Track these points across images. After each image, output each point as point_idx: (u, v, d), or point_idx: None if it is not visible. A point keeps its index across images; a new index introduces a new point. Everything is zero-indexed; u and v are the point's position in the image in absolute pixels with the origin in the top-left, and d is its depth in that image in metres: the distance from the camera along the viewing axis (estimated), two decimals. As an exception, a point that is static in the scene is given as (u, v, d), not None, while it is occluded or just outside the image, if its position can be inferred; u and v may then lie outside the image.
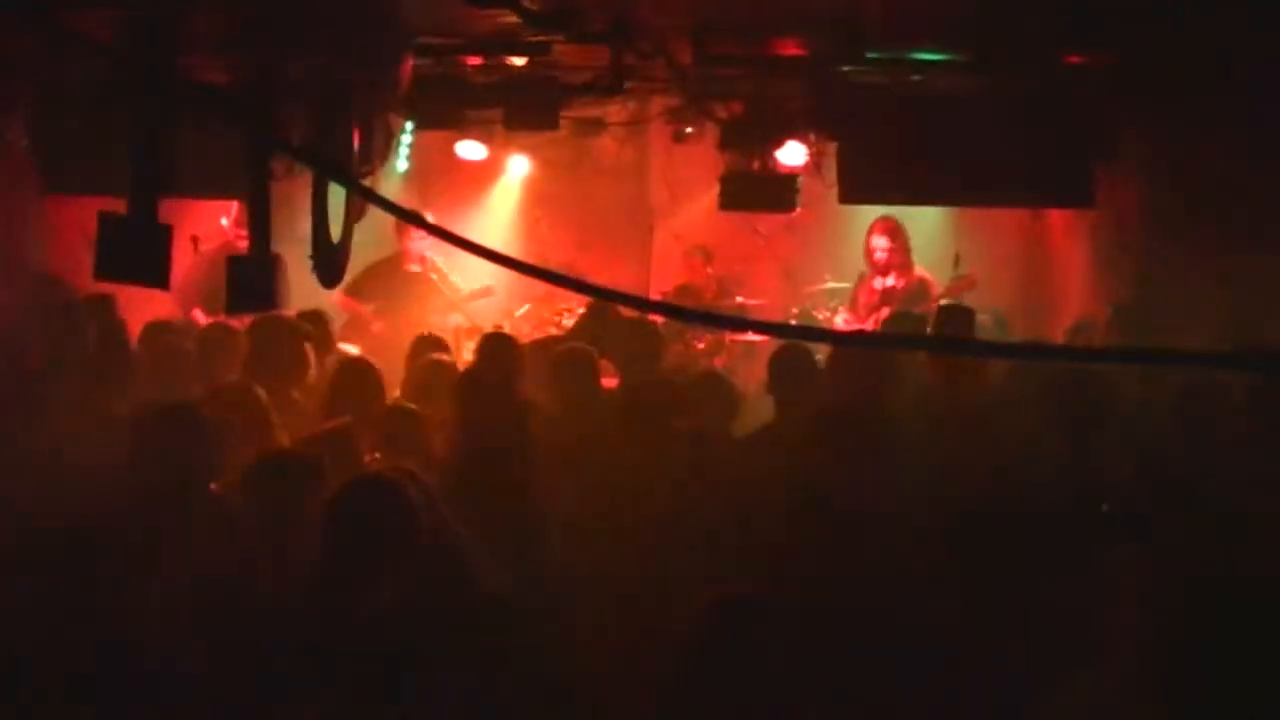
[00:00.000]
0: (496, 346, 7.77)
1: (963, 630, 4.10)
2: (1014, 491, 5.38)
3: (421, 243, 10.66)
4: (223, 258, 7.56)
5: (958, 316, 8.25)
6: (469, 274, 11.03)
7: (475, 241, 3.84)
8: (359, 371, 7.17)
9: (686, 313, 10.05)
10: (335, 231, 6.76)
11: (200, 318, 9.87)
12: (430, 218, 8.47)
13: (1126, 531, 4.69)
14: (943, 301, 9.95)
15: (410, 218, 4.29)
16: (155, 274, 5.61)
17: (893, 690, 3.98)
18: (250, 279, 6.03)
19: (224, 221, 10.33)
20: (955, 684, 3.96)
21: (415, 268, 10.71)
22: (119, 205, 5.78)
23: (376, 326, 10.35)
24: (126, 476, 5.29)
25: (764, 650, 3.79)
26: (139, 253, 5.61)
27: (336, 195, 6.83)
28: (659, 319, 8.80)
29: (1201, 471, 5.63)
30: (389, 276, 10.56)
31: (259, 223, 6.03)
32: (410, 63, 7.61)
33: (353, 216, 6.73)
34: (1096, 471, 5.72)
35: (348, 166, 6.51)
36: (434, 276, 10.83)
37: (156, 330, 8.34)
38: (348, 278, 7.76)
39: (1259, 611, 3.32)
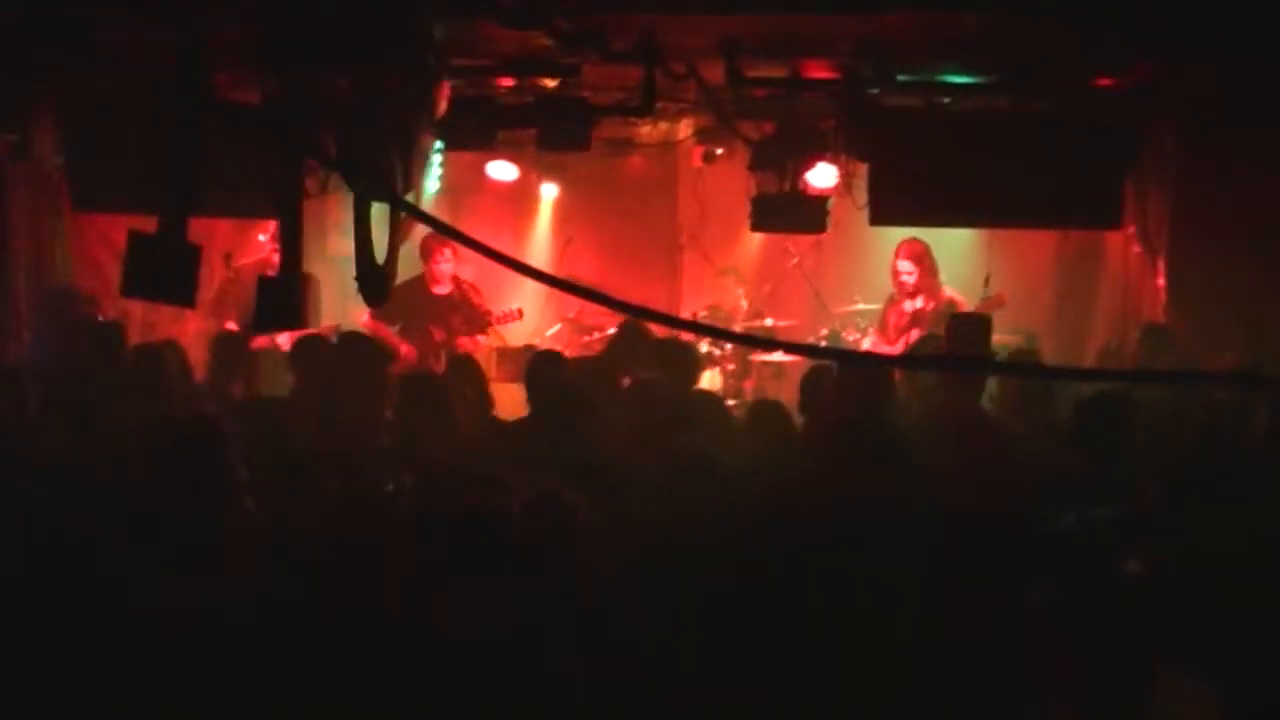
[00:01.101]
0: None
1: (965, 638, 4.11)
2: (1023, 505, 5.39)
3: (448, 264, 10.65)
4: (256, 274, 7.64)
5: (972, 325, 8.15)
6: (500, 298, 11.06)
7: (514, 258, 3.89)
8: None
9: (717, 332, 10.05)
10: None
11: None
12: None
13: (1144, 544, 4.68)
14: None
15: (456, 235, 4.31)
16: (182, 292, 5.64)
17: (894, 697, 3.99)
18: (279, 298, 6.07)
19: (262, 238, 10.40)
20: (955, 692, 3.97)
21: (442, 289, 10.69)
22: (147, 223, 5.84)
23: (404, 349, 10.36)
24: (144, 489, 5.35)
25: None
26: (167, 271, 5.65)
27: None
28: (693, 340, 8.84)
29: (1222, 488, 5.61)
30: (414, 298, 10.57)
31: (290, 241, 6.06)
32: (446, 84, 7.67)
33: (398, 236, 6.77)
34: (1116, 488, 5.72)
35: (389, 185, 6.56)
36: (470, 297, 10.81)
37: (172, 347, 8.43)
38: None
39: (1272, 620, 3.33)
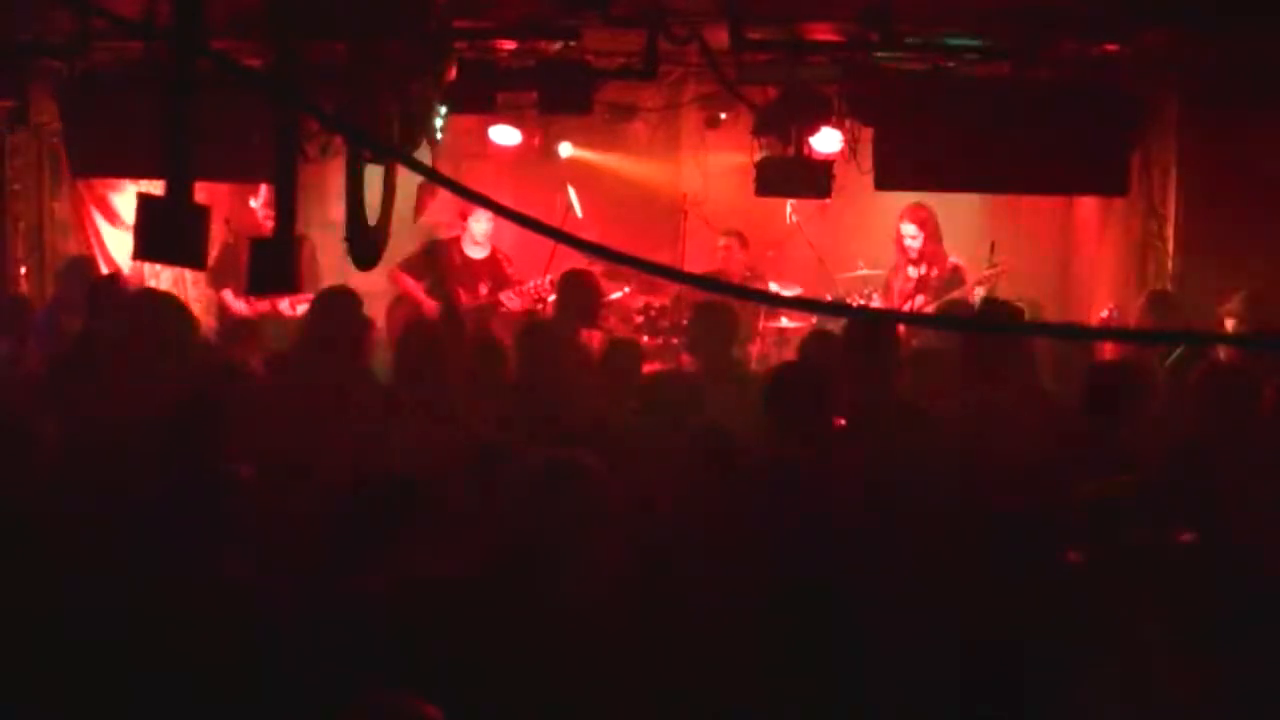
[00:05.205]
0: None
1: (989, 619, 4.09)
2: (1037, 483, 5.37)
3: (482, 224, 10.56)
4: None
5: (1001, 313, 8.05)
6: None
7: (528, 216, 3.85)
8: None
9: (725, 288, 9.89)
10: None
11: (230, 299, 9.91)
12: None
13: (1156, 520, 4.65)
14: (980, 295, 9.90)
15: (462, 191, 4.25)
16: (193, 255, 5.65)
17: (919, 679, 3.97)
18: (272, 261, 6.02)
19: (254, 203, 10.34)
20: (982, 673, 3.95)
21: (475, 251, 10.64)
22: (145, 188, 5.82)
23: (429, 305, 10.31)
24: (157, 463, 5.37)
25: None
26: (178, 235, 5.65)
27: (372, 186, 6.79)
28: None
29: (1232, 456, 5.57)
30: (448, 257, 10.54)
31: (284, 204, 6.01)
32: (453, 50, 7.62)
33: (392, 199, 6.70)
34: (1125, 459, 5.68)
35: (391, 144, 6.50)
36: (503, 266, 10.72)
37: None
38: (402, 255, 7.82)
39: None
